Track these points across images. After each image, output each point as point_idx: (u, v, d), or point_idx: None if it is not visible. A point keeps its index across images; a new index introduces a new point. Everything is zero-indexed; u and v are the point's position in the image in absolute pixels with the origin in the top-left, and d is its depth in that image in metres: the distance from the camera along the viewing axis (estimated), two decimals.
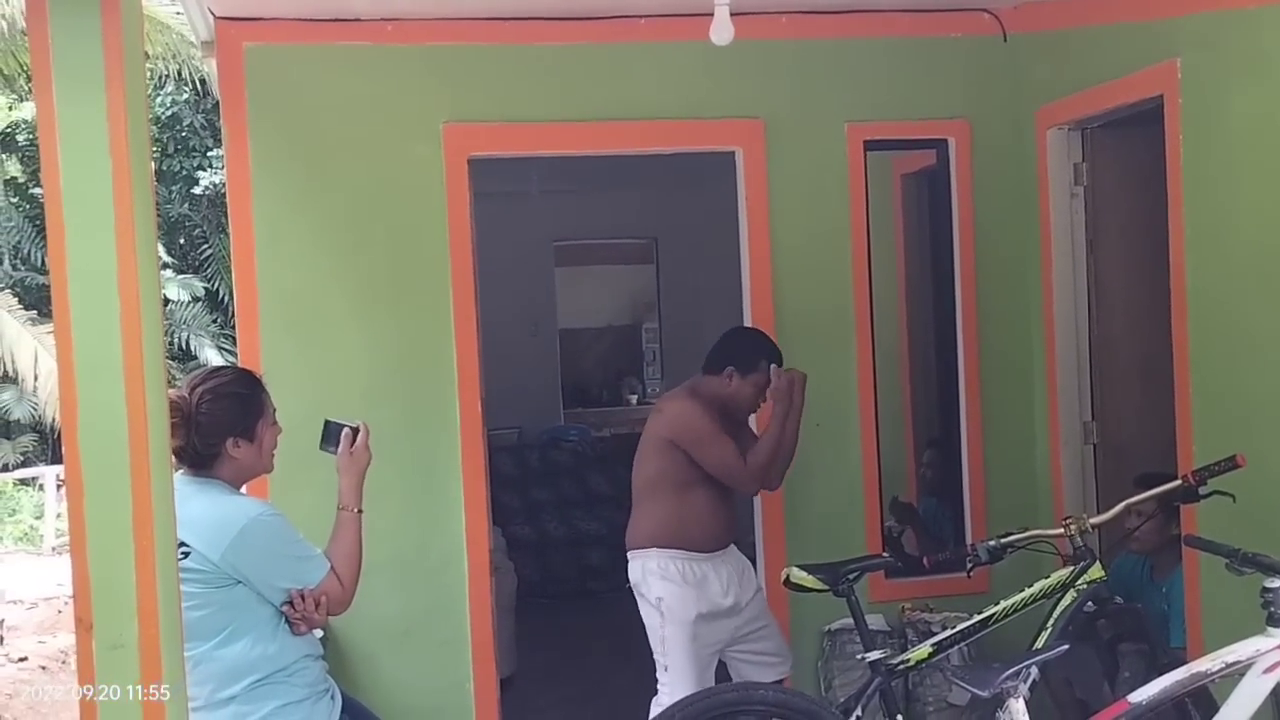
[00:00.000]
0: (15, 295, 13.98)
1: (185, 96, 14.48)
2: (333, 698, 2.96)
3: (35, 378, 12.92)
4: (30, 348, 12.90)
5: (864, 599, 3.88)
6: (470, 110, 4.41)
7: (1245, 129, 3.51)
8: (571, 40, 4.41)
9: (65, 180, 2.14)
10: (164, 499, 2.26)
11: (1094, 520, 3.61)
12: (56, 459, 12.96)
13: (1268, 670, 2.79)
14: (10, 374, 13.29)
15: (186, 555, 2.68)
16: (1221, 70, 3.59)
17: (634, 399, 11.65)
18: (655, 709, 3.87)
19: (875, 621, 4.24)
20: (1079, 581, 3.54)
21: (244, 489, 2.99)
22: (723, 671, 4.10)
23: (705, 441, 3.91)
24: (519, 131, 4.49)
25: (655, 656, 3.95)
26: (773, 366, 4.01)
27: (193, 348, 14.82)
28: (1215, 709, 2.96)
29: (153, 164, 3.18)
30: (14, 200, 15.21)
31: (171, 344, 14.32)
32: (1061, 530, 3.57)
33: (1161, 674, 2.96)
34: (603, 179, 8.25)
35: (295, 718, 2.84)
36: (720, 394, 3.99)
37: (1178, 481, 3.57)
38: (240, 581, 2.79)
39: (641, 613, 4.00)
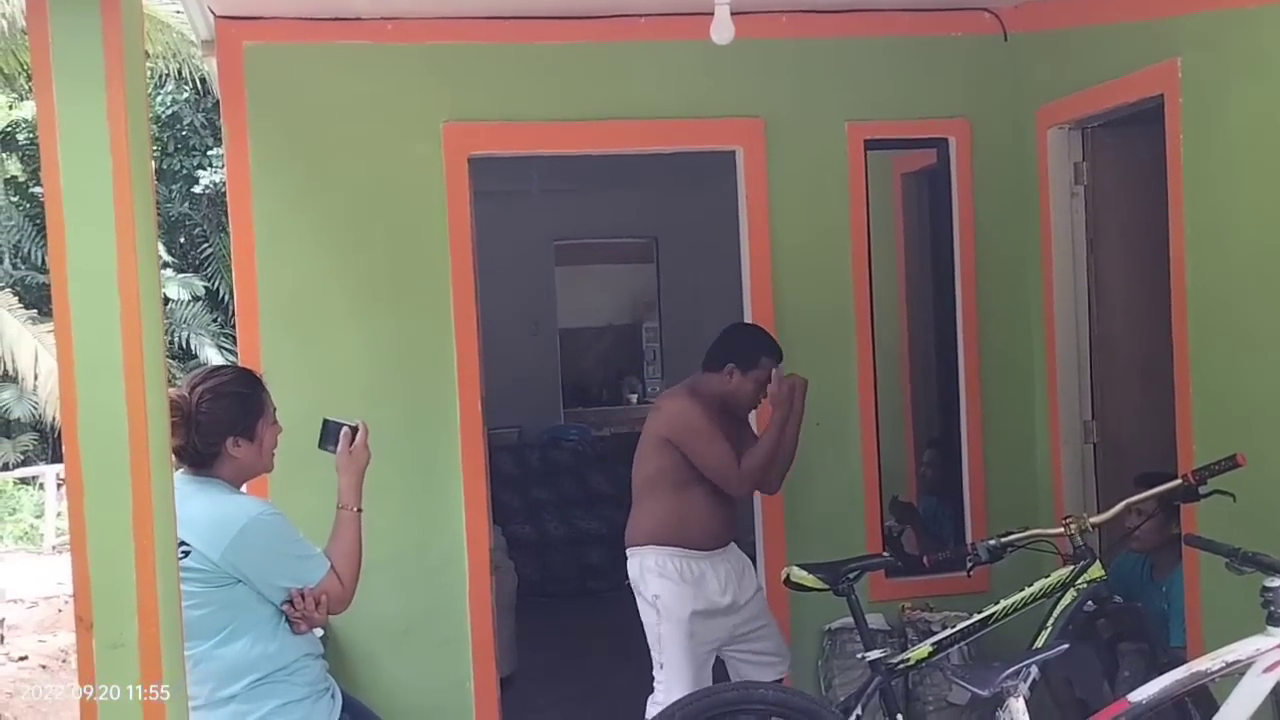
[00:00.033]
0: (15, 294, 13.98)
1: (185, 95, 14.47)
2: (333, 696, 2.97)
3: (35, 376, 12.91)
4: (30, 346, 12.89)
5: (864, 598, 3.88)
6: (470, 109, 4.40)
7: (1246, 128, 3.51)
8: (572, 39, 4.41)
9: (65, 179, 2.14)
10: (164, 498, 2.26)
11: (1094, 519, 3.61)
12: (57, 458, 12.96)
13: (1268, 669, 2.79)
14: (10, 373, 13.29)
15: (186, 554, 2.68)
16: (1222, 70, 3.59)
17: (634, 398, 11.65)
18: (651, 707, 3.87)
19: (875, 621, 4.24)
20: (1079, 581, 3.54)
21: (244, 488, 2.99)
22: (720, 670, 4.10)
23: (700, 441, 3.91)
24: (519, 130, 4.49)
25: (652, 654, 3.95)
26: (774, 371, 4.00)
27: (193, 347, 14.83)
28: (1215, 708, 2.96)
29: (153, 163, 3.19)
30: (14, 199, 15.21)
31: (172, 343, 14.32)
32: (1061, 529, 3.57)
33: (1161, 673, 2.96)
34: (603, 178, 8.25)
35: (295, 716, 2.84)
36: (721, 391, 3.99)
37: (1178, 481, 3.57)
38: (240, 580, 2.79)
39: (640, 610, 4.00)
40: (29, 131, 14.33)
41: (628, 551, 4.04)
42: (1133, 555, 4.18)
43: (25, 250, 14.82)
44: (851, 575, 3.64)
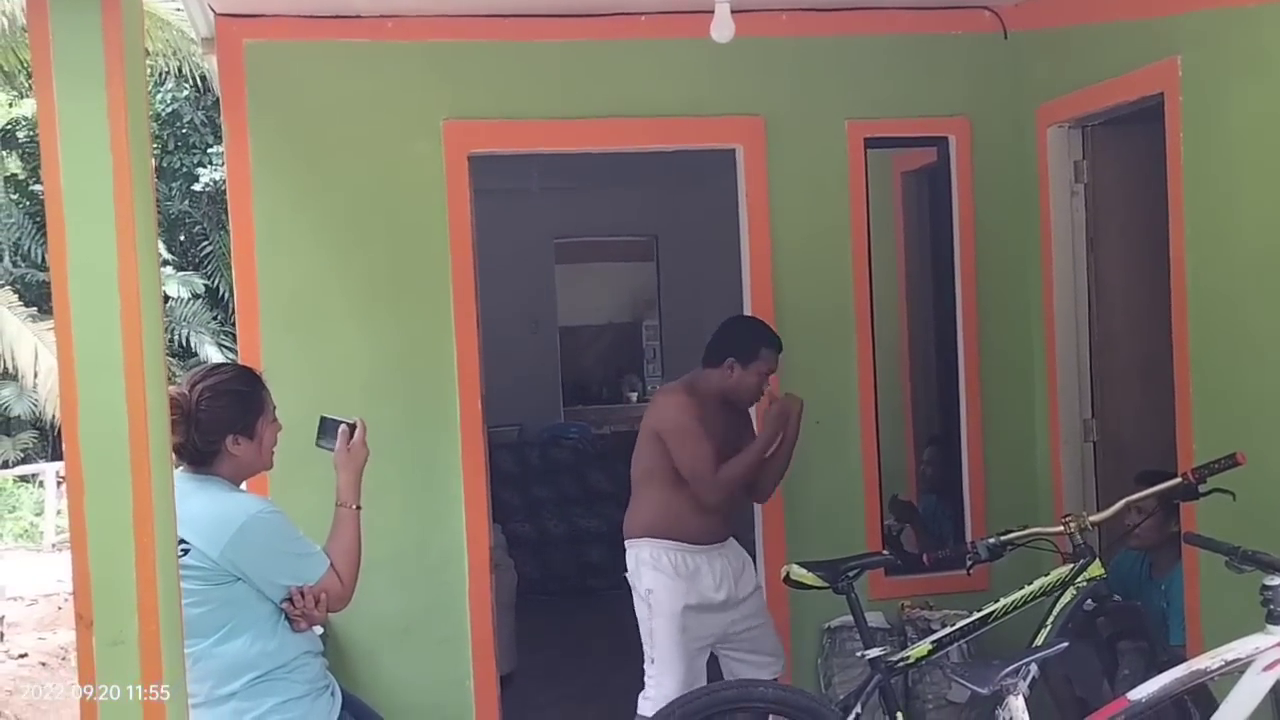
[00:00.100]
0: (15, 292, 13.98)
1: (185, 93, 14.47)
2: (333, 694, 2.97)
3: (35, 374, 12.92)
4: (30, 344, 12.90)
5: (864, 596, 3.87)
6: (471, 107, 4.40)
7: (1246, 127, 3.51)
8: (572, 37, 4.41)
9: (66, 177, 2.14)
10: (164, 496, 2.26)
11: (1094, 518, 3.61)
12: (57, 455, 12.96)
13: (1267, 668, 2.79)
14: (10, 370, 13.29)
15: (186, 552, 2.68)
16: (1222, 68, 3.59)
17: (634, 396, 11.64)
18: (643, 702, 3.87)
19: (875, 619, 4.24)
20: (1078, 579, 3.54)
21: (244, 486, 2.99)
22: (714, 668, 4.10)
23: (682, 439, 3.90)
24: (519, 128, 4.48)
25: (644, 648, 3.95)
26: (767, 389, 4.00)
27: (193, 345, 14.82)
28: (1214, 707, 2.96)
29: (153, 161, 3.19)
30: (14, 197, 15.20)
31: (171, 341, 14.32)
32: (1061, 528, 3.57)
33: (1161, 671, 2.96)
34: (603, 176, 8.25)
35: (295, 714, 2.84)
36: (722, 387, 3.99)
37: (1178, 479, 3.57)
38: (240, 578, 2.79)
39: (634, 605, 4.00)
40: (29, 129, 14.33)
41: (626, 543, 4.04)
42: (1132, 553, 4.18)
43: (25, 248, 14.81)
44: (851, 573, 3.64)
